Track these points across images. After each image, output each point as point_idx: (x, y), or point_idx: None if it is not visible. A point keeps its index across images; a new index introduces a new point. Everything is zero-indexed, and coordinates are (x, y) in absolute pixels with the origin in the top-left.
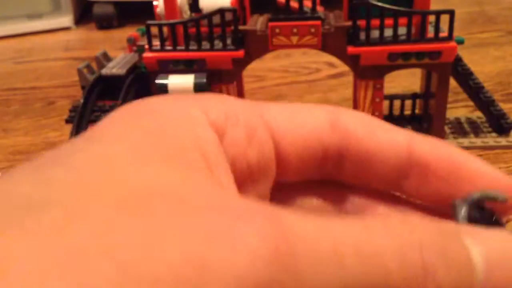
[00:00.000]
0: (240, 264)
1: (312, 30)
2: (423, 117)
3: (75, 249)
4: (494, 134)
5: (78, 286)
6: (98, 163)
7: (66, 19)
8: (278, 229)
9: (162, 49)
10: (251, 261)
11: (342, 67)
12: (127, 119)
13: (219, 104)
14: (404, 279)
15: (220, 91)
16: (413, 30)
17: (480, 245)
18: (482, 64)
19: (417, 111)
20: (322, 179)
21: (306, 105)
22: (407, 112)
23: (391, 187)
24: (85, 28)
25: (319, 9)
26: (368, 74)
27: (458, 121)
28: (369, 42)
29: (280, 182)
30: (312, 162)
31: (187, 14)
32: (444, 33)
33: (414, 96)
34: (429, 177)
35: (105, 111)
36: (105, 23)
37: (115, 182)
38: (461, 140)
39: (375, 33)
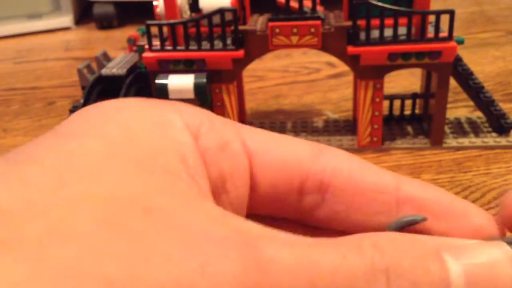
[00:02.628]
0: None
1: (312, 30)
2: (423, 117)
3: (61, 270)
4: (494, 134)
5: None
6: (76, 164)
7: (66, 19)
8: (253, 259)
9: (162, 49)
10: None
11: (342, 67)
12: (100, 116)
13: (194, 110)
14: None
15: (220, 91)
16: (413, 30)
17: (462, 261)
18: (482, 64)
19: (417, 111)
20: (294, 219)
21: (289, 137)
22: (407, 112)
23: (379, 225)
24: (85, 28)
25: (319, 9)
26: (368, 74)
27: (458, 121)
28: (369, 42)
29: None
30: (287, 191)
31: (187, 14)
32: (444, 33)
33: (414, 96)
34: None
35: None
36: (105, 23)
37: (96, 190)
38: (461, 140)
39: (375, 33)
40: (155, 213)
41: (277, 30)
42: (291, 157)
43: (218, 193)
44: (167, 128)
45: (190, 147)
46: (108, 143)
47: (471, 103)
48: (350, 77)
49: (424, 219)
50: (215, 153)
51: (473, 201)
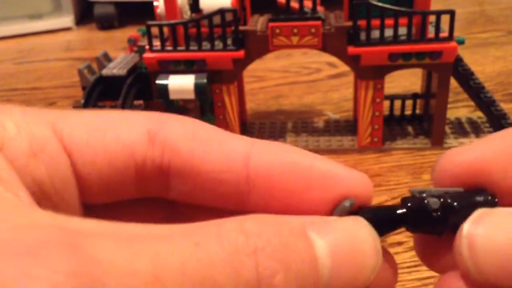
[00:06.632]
0: None
1: (313, 30)
2: (424, 117)
3: None
4: None
5: None
6: None
7: (67, 20)
8: (79, 264)
9: (163, 49)
10: None
11: (343, 67)
12: None
13: None
14: None
15: (221, 92)
16: (414, 30)
17: (326, 236)
18: (483, 64)
19: (417, 111)
20: (152, 198)
21: (122, 114)
22: (408, 112)
23: (234, 206)
24: (86, 28)
25: (320, 9)
26: (368, 74)
27: (458, 121)
28: (369, 42)
29: (97, 203)
30: (123, 181)
31: (187, 14)
32: (444, 33)
33: (414, 96)
34: (275, 190)
35: None
36: (106, 24)
37: None
38: (461, 140)
39: (376, 33)
40: None
41: (278, 31)
42: (118, 145)
43: (39, 200)
44: None
45: None
46: None
47: (472, 103)
48: (351, 77)
49: (353, 202)
50: (26, 161)
51: None
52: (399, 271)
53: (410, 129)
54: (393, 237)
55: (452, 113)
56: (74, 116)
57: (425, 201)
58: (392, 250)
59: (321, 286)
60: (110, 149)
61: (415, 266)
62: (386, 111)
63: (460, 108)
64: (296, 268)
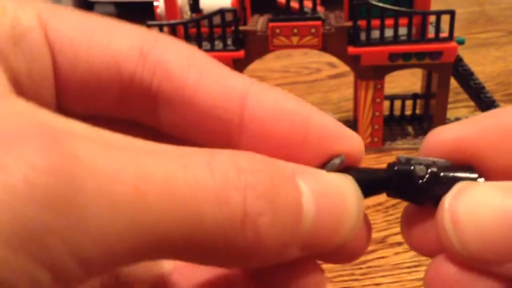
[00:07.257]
0: None
1: (313, 30)
2: (424, 117)
3: None
4: None
5: None
6: None
7: None
8: (57, 161)
9: None
10: (9, 200)
11: (343, 67)
12: None
13: None
14: (218, 223)
15: None
16: (414, 31)
17: (313, 186)
18: (483, 64)
19: (417, 111)
20: (135, 122)
21: (117, 23)
22: (408, 112)
23: (222, 145)
24: None
25: (320, 9)
26: (368, 74)
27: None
28: (369, 42)
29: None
30: (105, 94)
31: (187, 14)
32: (444, 33)
33: (414, 96)
34: (268, 135)
35: None
36: None
37: None
38: None
39: (376, 34)
40: None
41: (278, 31)
42: (105, 52)
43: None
44: None
45: None
46: None
47: (472, 103)
48: (351, 78)
49: (343, 159)
50: (5, 46)
51: None
52: (399, 271)
53: (410, 129)
54: (393, 237)
55: (452, 113)
56: (63, 11)
57: (412, 167)
58: (392, 250)
59: (301, 234)
60: (95, 53)
61: (415, 266)
62: (386, 111)
63: (460, 108)
64: (282, 212)
